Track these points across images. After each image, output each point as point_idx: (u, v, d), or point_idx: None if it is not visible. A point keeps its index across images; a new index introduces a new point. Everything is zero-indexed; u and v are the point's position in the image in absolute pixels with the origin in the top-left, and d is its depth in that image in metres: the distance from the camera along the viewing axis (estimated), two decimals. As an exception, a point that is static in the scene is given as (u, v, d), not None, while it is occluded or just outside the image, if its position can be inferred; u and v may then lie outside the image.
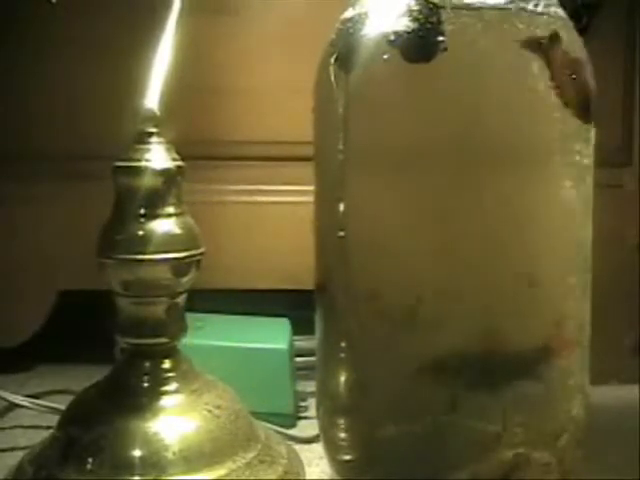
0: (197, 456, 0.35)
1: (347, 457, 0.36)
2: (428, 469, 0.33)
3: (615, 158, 0.61)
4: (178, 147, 0.38)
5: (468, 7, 0.32)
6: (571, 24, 0.34)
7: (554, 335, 0.33)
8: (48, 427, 0.44)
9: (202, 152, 0.58)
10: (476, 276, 0.32)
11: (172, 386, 0.37)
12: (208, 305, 0.52)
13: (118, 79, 0.53)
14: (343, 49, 0.34)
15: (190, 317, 0.39)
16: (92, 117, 0.59)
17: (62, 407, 0.41)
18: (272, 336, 0.51)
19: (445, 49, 0.31)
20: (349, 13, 0.35)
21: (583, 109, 0.33)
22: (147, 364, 0.38)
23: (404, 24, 0.32)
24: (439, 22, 0.31)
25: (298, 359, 0.52)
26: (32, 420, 0.49)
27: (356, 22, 0.34)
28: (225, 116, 0.61)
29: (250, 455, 0.37)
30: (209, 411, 0.37)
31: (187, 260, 0.37)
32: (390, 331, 0.33)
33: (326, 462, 0.38)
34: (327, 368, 0.37)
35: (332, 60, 0.34)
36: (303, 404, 0.51)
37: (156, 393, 0.37)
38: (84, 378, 0.43)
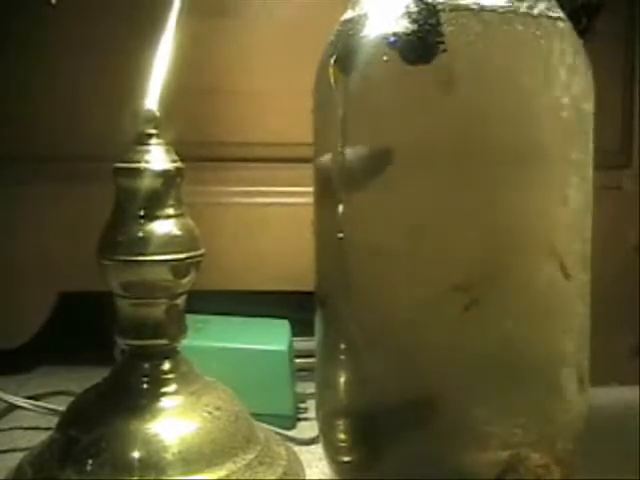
0: (197, 457, 0.35)
1: (347, 458, 0.36)
2: (427, 469, 0.33)
3: (614, 160, 0.61)
4: (178, 148, 0.38)
5: (467, 9, 0.32)
6: (570, 25, 0.34)
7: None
8: (48, 428, 0.44)
9: (202, 153, 0.58)
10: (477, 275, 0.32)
11: (172, 387, 0.37)
12: (208, 306, 0.52)
13: (118, 80, 0.53)
14: (343, 51, 0.34)
15: (190, 318, 0.39)
16: (92, 118, 0.59)
17: (62, 408, 0.41)
18: (272, 337, 0.51)
19: (444, 50, 0.31)
20: (348, 15, 0.35)
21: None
22: (147, 365, 0.38)
23: (403, 26, 0.32)
24: (438, 24, 0.31)
25: (298, 360, 0.52)
26: (32, 421, 0.49)
27: (355, 24, 0.34)
28: (225, 118, 0.61)
29: (250, 456, 0.37)
30: (209, 412, 0.37)
31: (187, 261, 0.37)
32: (390, 332, 0.33)
33: (326, 463, 0.38)
34: (327, 370, 0.37)
35: (332, 62, 0.34)
36: (303, 405, 0.51)
37: (156, 394, 0.37)
38: (84, 379, 0.43)
